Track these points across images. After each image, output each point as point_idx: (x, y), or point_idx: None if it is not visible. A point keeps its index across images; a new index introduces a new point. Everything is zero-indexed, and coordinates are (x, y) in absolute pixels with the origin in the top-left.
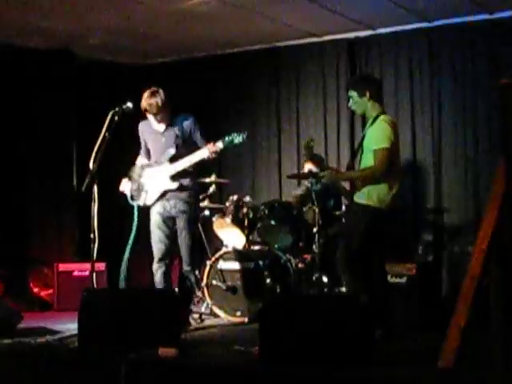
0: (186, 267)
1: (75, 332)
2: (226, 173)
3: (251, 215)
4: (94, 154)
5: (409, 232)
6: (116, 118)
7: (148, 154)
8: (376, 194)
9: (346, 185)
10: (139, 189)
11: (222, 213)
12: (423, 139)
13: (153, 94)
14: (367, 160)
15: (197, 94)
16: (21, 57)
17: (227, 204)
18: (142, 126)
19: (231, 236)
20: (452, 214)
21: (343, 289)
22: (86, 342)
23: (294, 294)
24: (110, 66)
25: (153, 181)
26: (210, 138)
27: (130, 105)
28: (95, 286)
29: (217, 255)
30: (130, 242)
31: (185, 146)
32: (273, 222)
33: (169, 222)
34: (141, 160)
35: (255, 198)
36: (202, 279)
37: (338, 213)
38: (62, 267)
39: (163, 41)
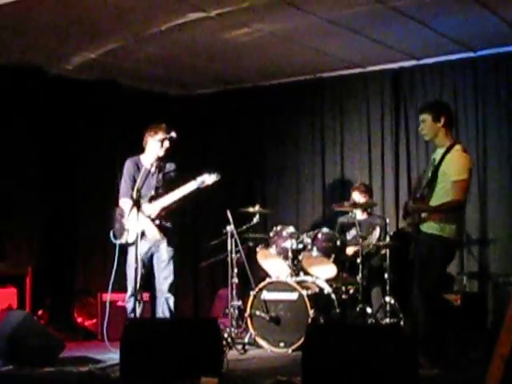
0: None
1: (117, 361)
2: (270, 203)
3: (295, 246)
4: (136, 185)
5: (454, 263)
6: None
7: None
8: (453, 225)
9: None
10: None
11: (266, 243)
12: None
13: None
14: (442, 189)
15: (241, 125)
16: (68, 88)
17: (271, 234)
18: (133, 164)
19: (275, 266)
20: (497, 244)
21: (387, 320)
22: (127, 371)
23: (337, 324)
24: (154, 96)
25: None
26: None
27: (173, 134)
28: (138, 315)
29: (260, 285)
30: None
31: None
32: (316, 253)
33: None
34: (127, 202)
35: (299, 227)
36: (245, 309)
37: (381, 243)
38: (106, 297)
39: (208, 72)
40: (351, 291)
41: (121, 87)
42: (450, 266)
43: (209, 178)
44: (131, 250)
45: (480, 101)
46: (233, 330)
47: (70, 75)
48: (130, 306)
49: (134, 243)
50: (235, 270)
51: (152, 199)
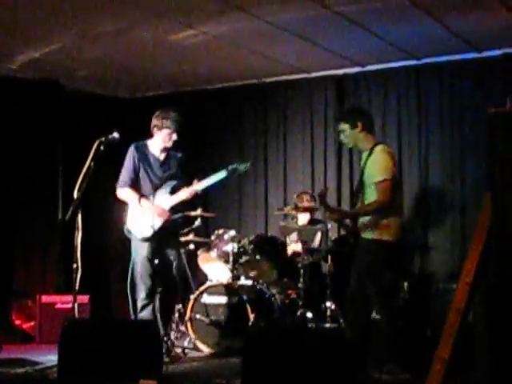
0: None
1: (55, 363)
2: (212, 206)
3: (236, 249)
4: (78, 184)
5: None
6: (101, 147)
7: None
8: (385, 228)
9: None
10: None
11: (208, 247)
12: (410, 176)
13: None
14: (370, 194)
15: (184, 129)
16: (9, 86)
17: (212, 238)
18: (140, 152)
19: (216, 270)
20: (438, 250)
21: (328, 325)
22: (65, 372)
23: (276, 327)
24: (98, 98)
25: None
26: (195, 173)
27: (116, 135)
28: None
29: (201, 289)
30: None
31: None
32: (258, 257)
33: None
34: (128, 192)
35: (241, 231)
36: (185, 313)
37: (322, 248)
38: (45, 299)
39: (152, 74)
40: (292, 296)
41: (64, 88)
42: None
43: (241, 167)
44: (139, 247)
45: (423, 108)
46: (173, 333)
47: (14, 74)
48: (144, 315)
49: (149, 239)
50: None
51: (173, 190)
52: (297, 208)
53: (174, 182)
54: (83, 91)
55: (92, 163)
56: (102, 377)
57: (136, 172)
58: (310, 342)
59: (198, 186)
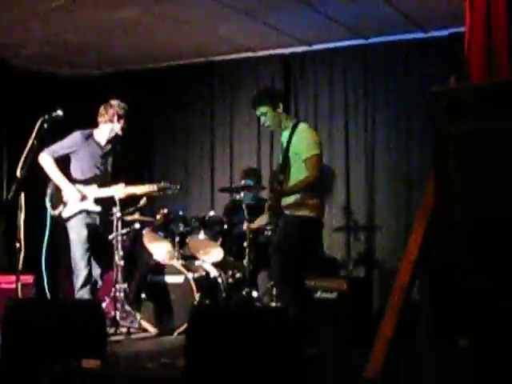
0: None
1: None
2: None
3: (182, 229)
4: (21, 162)
5: (341, 248)
6: (45, 125)
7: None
8: (310, 203)
9: None
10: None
11: (153, 226)
12: (356, 156)
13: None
14: (297, 170)
15: (130, 108)
16: None
17: (158, 217)
18: (83, 138)
19: (161, 250)
20: (384, 230)
21: (273, 304)
22: (8, 352)
23: (220, 306)
24: (45, 76)
25: (75, 197)
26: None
27: (60, 112)
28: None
29: (146, 268)
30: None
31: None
32: (202, 237)
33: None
34: (51, 163)
35: (188, 211)
36: (131, 293)
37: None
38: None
39: (96, 53)
40: (238, 275)
41: (11, 67)
42: (336, 251)
43: (169, 187)
44: (75, 227)
45: (370, 88)
46: (118, 313)
47: None
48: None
49: (72, 218)
50: (121, 253)
51: (103, 184)
52: (242, 188)
53: (104, 177)
54: (29, 69)
55: (35, 141)
56: (45, 357)
57: (68, 151)
58: (253, 321)
59: (125, 190)
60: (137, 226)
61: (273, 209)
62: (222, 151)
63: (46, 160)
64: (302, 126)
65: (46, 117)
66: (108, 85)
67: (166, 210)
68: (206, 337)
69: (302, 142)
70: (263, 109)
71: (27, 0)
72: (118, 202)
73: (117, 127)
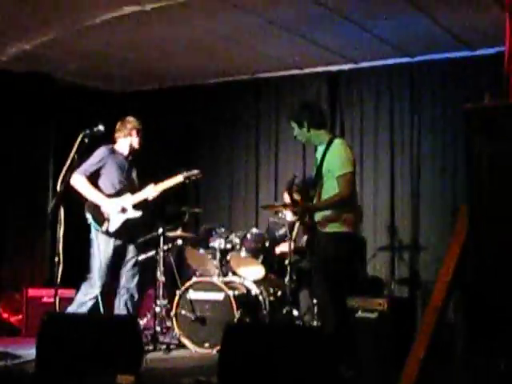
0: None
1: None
2: (204, 201)
3: (223, 245)
4: (61, 176)
5: (384, 268)
6: (86, 140)
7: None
8: (345, 219)
9: None
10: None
11: (195, 242)
12: (401, 175)
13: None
14: (330, 187)
15: (176, 124)
16: (1, 79)
17: (200, 234)
18: (108, 152)
19: (203, 266)
20: (428, 250)
21: (315, 322)
22: (44, 367)
23: (255, 324)
24: (89, 91)
25: (115, 210)
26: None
27: (101, 127)
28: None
29: (187, 285)
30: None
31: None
32: (244, 254)
33: (121, 249)
34: (84, 182)
35: (232, 227)
36: (171, 309)
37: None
38: (32, 293)
39: (143, 69)
40: (279, 293)
41: (54, 81)
42: (380, 271)
43: (194, 173)
44: (104, 242)
45: (416, 106)
46: (158, 329)
47: (4, 67)
48: (89, 303)
49: (112, 234)
50: (162, 269)
51: (133, 191)
52: (284, 205)
53: (132, 185)
54: (74, 84)
55: (76, 156)
56: (79, 371)
57: (97, 167)
58: (287, 339)
59: (156, 188)
60: (179, 242)
61: (306, 225)
62: (266, 168)
63: (79, 181)
64: (337, 142)
65: (87, 132)
66: (153, 101)
67: (208, 226)
68: (239, 354)
69: (335, 159)
70: (292, 124)
71: (73, 16)
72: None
73: (135, 141)
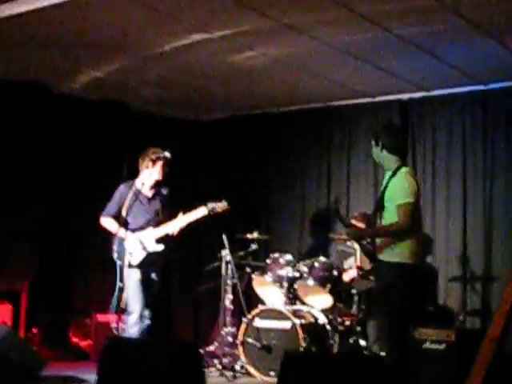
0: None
1: None
2: (274, 229)
3: (291, 273)
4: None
5: (456, 299)
6: None
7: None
8: (405, 250)
9: None
10: (124, 250)
11: (263, 270)
12: (474, 204)
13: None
14: (390, 214)
15: (248, 152)
16: (76, 107)
17: (268, 261)
18: (127, 188)
19: (270, 294)
20: (501, 281)
21: (383, 353)
22: None
23: (314, 353)
24: (163, 119)
25: (137, 243)
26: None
27: (167, 154)
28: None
29: (254, 313)
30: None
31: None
32: (311, 282)
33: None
34: (110, 221)
35: (301, 256)
36: (238, 336)
37: None
38: (101, 318)
39: (215, 97)
40: (347, 322)
41: (129, 109)
42: (452, 302)
43: (219, 206)
44: (133, 274)
45: (489, 134)
46: (224, 356)
47: (77, 94)
48: (135, 330)
49: (138, 266)
50: (230, 297)
51: (157, 224)
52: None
53: (156, 217)
54: (148, 112)
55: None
56: None
57: (120, 206)
58: (346, 369)
59: (181, 221)
60: (247, 269)
61: (368, 252)
62: (338, 196)
63: (104, 221)
64: (403, 170)
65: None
66: (225, 129)
67: (276, 255)
68: (297, 381)
69: (398, 188)
70: (371, 142)
71: (144, 44)
72: (226, 245)
73: (154, 172)
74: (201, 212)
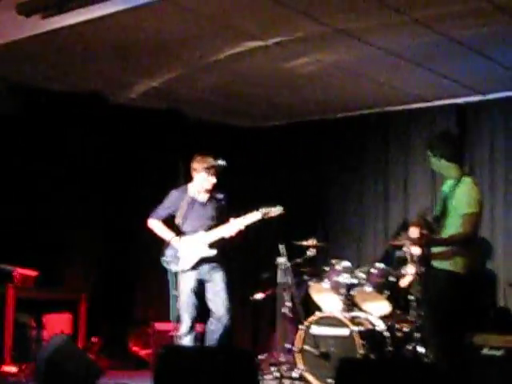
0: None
1: None
2: (332, 236)
3: (348, 280)
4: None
5: None
6: None
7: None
8: (462, 260)
9: None
10: (175, 255)
11: (320, 277)
12: None
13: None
14: (454, 223)
15: (304, 158)
16: (132, 116)
17: (325, 268)
18: (179, 194)
19: (327, 301)
20: None
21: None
22: None
23: (370, 359)
24: (220, 126)
25: (189, 248)
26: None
27: (221, 162)
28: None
29: (311, 319)
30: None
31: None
32: (369, 289)
33: (201, 287)
34: (158, 225)
35: (361, 262)
36: (295, 344)
37: None
38: (159, 327)
39: (271, 104)
40: (405, 329)
41: (186, 117)
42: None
43: (273, 211)
44: (184, 280)
45: None
46: (283, 364)
47: (133, 104)
48: (187, 340)
49: (188, 271)
50: (289, 304)
51: (210, 228)
52: (409, 239)
53: (210, 222)
54: (205, 120)
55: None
56: None
57: (170, 211)
58: (403, 376)
59: (233, 225)
60: (305, 276)
61: (423, 257)
62: (396, 202)
63: (153, 224)
64: (468, 180)
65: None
66: (282, 136)
67: (333, 261)
68: None
69: (464, 197)
70: (427, 152)
71: (197, 51)
72: (283, 252)
73: (204, 180)
74: (254, 216)
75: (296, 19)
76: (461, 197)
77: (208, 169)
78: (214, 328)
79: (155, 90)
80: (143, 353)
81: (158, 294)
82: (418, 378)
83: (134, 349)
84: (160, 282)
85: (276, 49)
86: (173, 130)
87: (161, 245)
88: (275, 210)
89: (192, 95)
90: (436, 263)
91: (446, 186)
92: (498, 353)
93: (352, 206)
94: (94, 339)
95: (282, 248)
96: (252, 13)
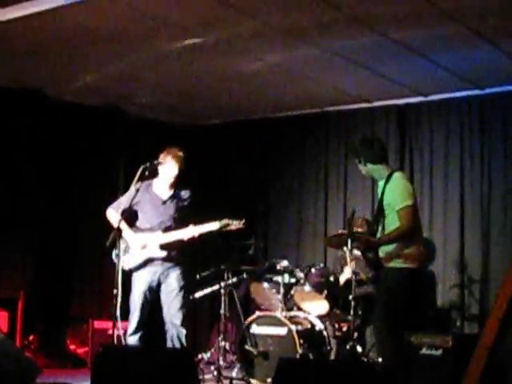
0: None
1: None
2: (272, 235)
3: (287, 280)
4: (120, 209)
5: (454, 304)
6: (146, 172)
7: (126, 212)
8: (408, 254)
9: None
10: (125, 250)
11: (260, 276)
12: (472, 210)
13: (181, 153)
14: (392, 221)
15: (245, 158)
16: (72, 113)
17: (265, 268)
18: (143, 187)
19: (267, 300)
20: (499, 286)
21: (380, 359)
22: None
23: (309, 359)
24: (160, 124)
25: (140, 246)
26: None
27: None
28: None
29: (250, 319)
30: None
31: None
32: (308, 288)
33: (157, 288)
34: (113, 213)
35: (300, 261)
36: (235, 343)
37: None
38: (98, 325)
39: (213, 102)
40: (344, 328)
41: (127, 115)
42: (450, 307)
43: (234, 224)
44: (136, 280)
45: (486, 139)
46: (222, 363)
47: (74, 100)
48: (131, 342)
49: (140, 271)
50: (226, 303)
51: (167, 229)
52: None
53: (168, 222)
54: (145, 117)
55: (134, 187)
56: None
57: (131, 203)
58: (340, 376)
59: (189, 232)
60: (244, 275)
61: (371, 261)
62: (335, 202)
63: (110, 214)
64: (396, 175)
65: (148, 164)
66: (220, 135)
67: (273, 261)
68: None
69: (394, 192)
70: (356, 161)
71: (140, 49)
72: (223, 251)
73: (171, 166)
74: (212, 226)
75: (236, 17)
76: (392, 193)
77: (176, 156)
78: (167, 329)
79: (95, 87)
80: (80, 351)
81: (99, 291)
82: (355, 378)
83: (71, 347)
84: (99, 279)
85: (216, 47)
86: (114, 127)
87: (104, 241)
88: (236, 224)
89: (133, 93)
90: (392, 264)
91: (379, 187)
92: (437, 352)
93: (292, 205)
94: (31, 337)
95: (220, 246)
96: (192, 10)
